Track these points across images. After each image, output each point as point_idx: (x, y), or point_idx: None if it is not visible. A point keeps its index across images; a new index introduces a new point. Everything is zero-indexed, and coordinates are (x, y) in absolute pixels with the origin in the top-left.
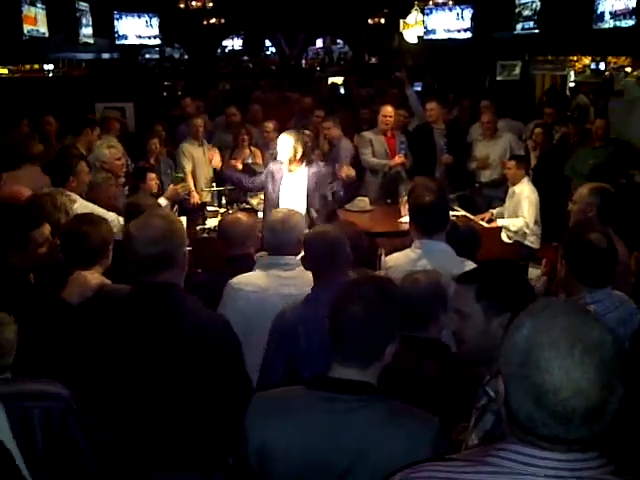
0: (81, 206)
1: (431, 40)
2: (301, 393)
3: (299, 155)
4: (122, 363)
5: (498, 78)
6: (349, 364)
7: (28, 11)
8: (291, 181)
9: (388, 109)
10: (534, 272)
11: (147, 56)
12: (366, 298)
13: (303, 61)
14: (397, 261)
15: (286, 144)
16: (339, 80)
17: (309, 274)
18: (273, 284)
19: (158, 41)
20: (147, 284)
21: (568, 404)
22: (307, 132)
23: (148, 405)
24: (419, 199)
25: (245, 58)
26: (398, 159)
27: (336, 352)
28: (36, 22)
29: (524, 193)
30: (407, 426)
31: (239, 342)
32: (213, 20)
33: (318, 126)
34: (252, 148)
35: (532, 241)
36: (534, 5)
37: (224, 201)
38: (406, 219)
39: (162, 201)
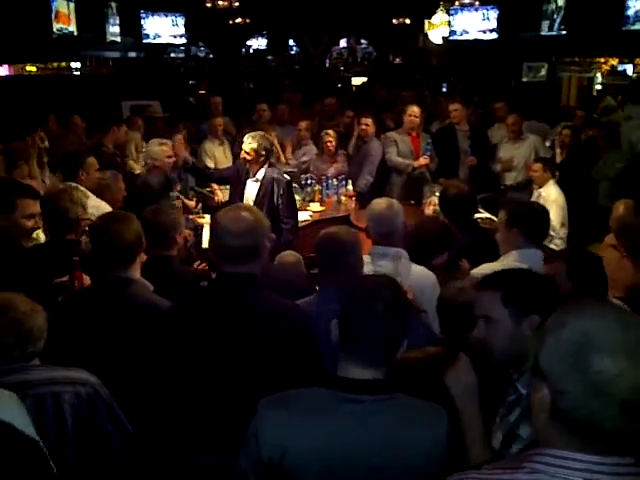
0: (91, 200)
1: (456, 41)
2: (320, 395)
3: (261, 158)
4: (203, 350)
5: (524, 79)
6: (366, 364)
7: (61, 6)
8: (251, 183)
9: (414, 109)
10: None
11: (172, 55)
12: (383, 297)
13: (327, 61)
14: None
15: (248, 145)
16: (362, 80)
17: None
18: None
19: (184, 40)
20: (230, 274)
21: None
22: (329, 132)
23: (220, 389)
24: (528, 206)
25: (269, 57)
26: (423, 160)
27: (351, 352)
28: (68, 19)
29: (551, 196)
30: (426, 421)
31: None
32: (239, 20)
33: (347, 126)
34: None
35: (558, 244)
36: (561, 6)
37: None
38: None
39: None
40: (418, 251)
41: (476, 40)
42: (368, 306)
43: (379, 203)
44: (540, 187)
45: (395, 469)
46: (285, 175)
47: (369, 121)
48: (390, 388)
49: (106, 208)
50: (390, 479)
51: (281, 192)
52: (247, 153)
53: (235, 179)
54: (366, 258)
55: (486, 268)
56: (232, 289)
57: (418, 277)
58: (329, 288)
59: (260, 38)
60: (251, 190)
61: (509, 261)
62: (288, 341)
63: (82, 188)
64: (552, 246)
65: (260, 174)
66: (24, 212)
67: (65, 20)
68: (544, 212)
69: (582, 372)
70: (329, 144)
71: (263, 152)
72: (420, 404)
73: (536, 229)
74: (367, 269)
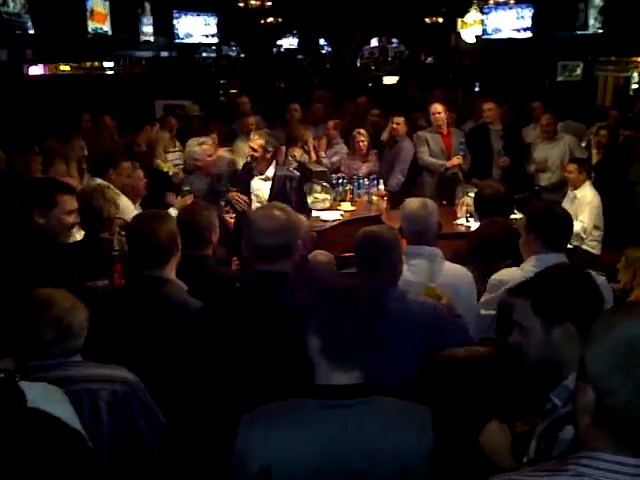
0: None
1: (489, 40)
2: (303, 405)
3: (268, 155)
4: (233, 349)
5: (559, 79)
6: (348, 368)
7: (96, 5)
8: (258, 181)
9: (437, 107)
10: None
11: (204, 54)
12: (357, 303)
13: (358, 60)
14: (513, 275)
15: (256, 142)
16: (394, 80)
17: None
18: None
19: (216, 40)
20: (261, 273)
21: None
22: (361, 132)
23: (250, 389)
24: (548, 210)
25: (300, 57)
26: (455, 160)
27: (332, 358)
28: (103, 19)
29: (586, 198)
30: (412, 423)
31: None
32: (270, 19)
33: (374, 125)
34: (307, 147)
35: (592, 246)
36: (598, 4)
37: None
38: (462, 221)
39: (172, 211)
40: (484, 254)
41: (510, 39)
42: (347, 310)
43: (413, 202)
44: (575, 188)
45: (384, 471)
46: (295, 172)
47: (400, 120)
48: (371, 391)
49: (131, 208)
50: None
51: (294, 187)
52: (254, 150)
53: (242, 178)
54: None
55: (505, 274)
56: (263, 288)
57: (453, 276)
58: (368, 287)
59: (291, 37)
60: (261, 188)
61: (528, 267)
62: None
63: (113, 187)
64: (585, 247)
65: (270, 172)
66: (64, 208)
67: (100, 19)
68: (565, 216)
69: (631, 372)
70: (360, 143)
71: (271, 149)
72: (405, 405)
73: (555, 235)
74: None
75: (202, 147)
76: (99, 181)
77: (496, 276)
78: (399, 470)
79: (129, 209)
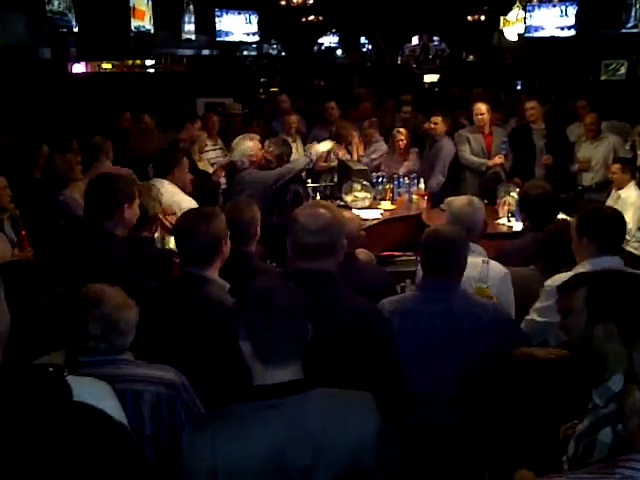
0: (176, 196)
1: (532, 38)
2: (246, 408)
3: (283, 163)
4: None
5: (602, 78)
6: (282, 365)
7: (138, 3)
8: None
9: (481, 107)
10: None
11: (245, 53)
12: (280, 297)
13: (398, 58)
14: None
15: (271, 153)
16: (434, 78)
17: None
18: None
19: (257, 38)
20: (304, 271)
21: None
22: (401, 130)
23: None
24: (599, 212)
25: (340, 55)
26: (498, 159)
27: (264, 358)
28: (145, 17)
29: (630, 199)
30: (356, 410)
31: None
32: (311, 17)
33: (405, 122)
34: (350, 148)
35: (636, 247)
36: None
37: (318, 197)
38: (504, 220)
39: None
40: (549, 256)
41: (553, 37)
42: (268, 308)
43: (459, 200)
44: (619, 188)
45: (331, 464)
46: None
47: (438, 119)
48: (310, 384)
49: (193, 203)
50: (330, 473)
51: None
52: (270, 161)
53: None
54: None
55: (557, 280)
56: (305, 285)
57: (495, 273)
58: (432, 288)
59: (332, 35)
60: None
61: (583, 271)
62: (360, 340)
63: (166, 183)
64: (629, 249)
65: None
66: (137, 201)
67: (143, 17)
68: (616, 217)
69: None
70: (400, 142)
71: (285, 158)
72: (348, 394)
73: (608, 237)
74: None
75: (254, 142)
76: (166, 182)
77: (549, 282)
78: (346, 460)
79: (192, 204)
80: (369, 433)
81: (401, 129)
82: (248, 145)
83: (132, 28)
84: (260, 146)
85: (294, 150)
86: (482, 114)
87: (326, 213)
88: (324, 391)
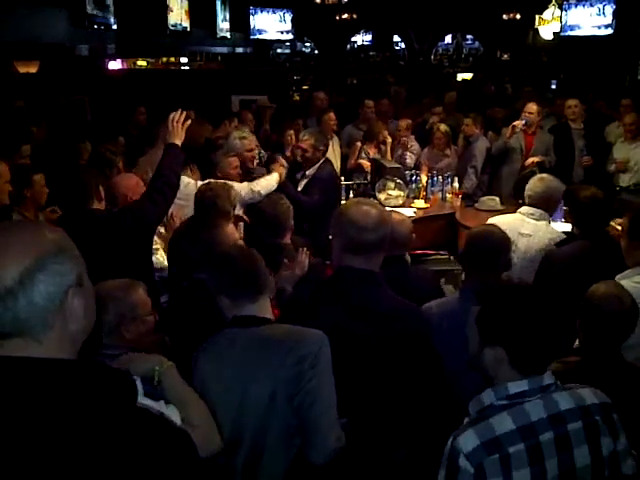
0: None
1: (568, 36)
2: (226, 333)
3: (318, 154)
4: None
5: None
6: (252, 300)
7: (173, 2)
8: (303, 181)
9: (532, 106)
10: None
11: (278, 51)
12: (242, 258)
13: (432, 57)
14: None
15: (306, 142)
16: (467, 76)
17: None
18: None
19: (290, 36)
20: (349, 268)
21: None
22: (440, 127)
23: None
24: None
25: (372, 53)
26: (535, 159)
27: (245, 291)
28: (183, 15)
29: None
30: (309, 341)
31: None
32: (345, 15)
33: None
34: (383, 146)
35: None
36: None
37: (352, 195)
38: None
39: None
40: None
41: (589, 36)
42: (234, 265)
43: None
44: None
45: (286, 392)
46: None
47: (469, 121)
48: (265, 320)
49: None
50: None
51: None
52: (305, 150)
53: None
54: None
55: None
56: (349, 283)
57: None
58: (472, 288)
59: (364, 34)
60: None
61: (638, 277)
62: (401, 341)
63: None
64: None
65: (310, 171)
66: None
67: (179, 16)
68: None
69: None
70: (439, 139)
71: (321, 147)
72: (299, 329)
73: None
74: None
75: (242, 141)
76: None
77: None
78: (298, 384)
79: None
80: (324, 356)
81: (441, 126)
82: (236, 142)
83: (169, 26)
84: (250, 147)
85: (330, 147)
86: (531, 113)
87: (375, 210)
88: (281, 326)
